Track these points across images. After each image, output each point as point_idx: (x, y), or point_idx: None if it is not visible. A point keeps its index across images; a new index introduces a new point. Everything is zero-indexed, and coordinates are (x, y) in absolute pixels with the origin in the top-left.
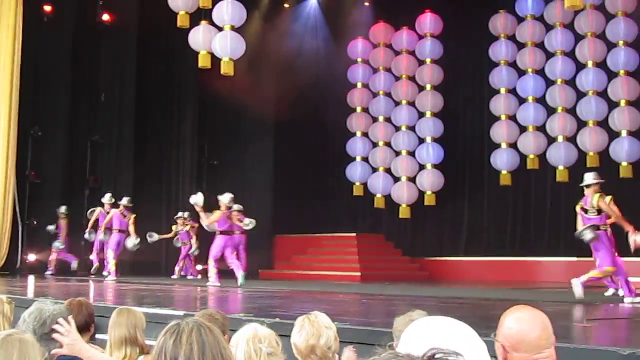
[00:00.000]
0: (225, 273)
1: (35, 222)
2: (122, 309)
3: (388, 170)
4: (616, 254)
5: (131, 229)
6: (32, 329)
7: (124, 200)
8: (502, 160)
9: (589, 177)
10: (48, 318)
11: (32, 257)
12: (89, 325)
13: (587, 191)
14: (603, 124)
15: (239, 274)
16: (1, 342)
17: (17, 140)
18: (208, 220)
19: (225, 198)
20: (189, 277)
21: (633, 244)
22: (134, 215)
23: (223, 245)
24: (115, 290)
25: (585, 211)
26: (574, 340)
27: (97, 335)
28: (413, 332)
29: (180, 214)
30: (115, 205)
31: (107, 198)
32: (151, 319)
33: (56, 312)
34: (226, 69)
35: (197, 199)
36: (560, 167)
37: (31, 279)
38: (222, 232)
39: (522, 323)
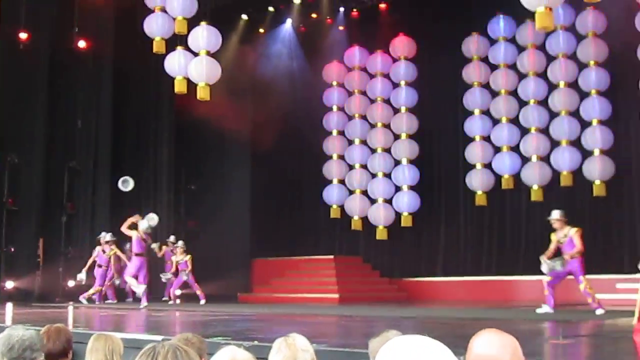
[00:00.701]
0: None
1: (12, 250)
2: (99, 334)
3: (365, 193)
4: None
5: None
6: (1, 354)
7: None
8: (477, 181)
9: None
10: (17, 343)
11: (10, 284)
12: (67, 351)
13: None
14: (576, 143)
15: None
16: None
17: None
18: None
19: (142, 225)
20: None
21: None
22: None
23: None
24: (95, 317)
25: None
26: (548, 359)
27: None
28: (388, 351)
29: (103, 234)
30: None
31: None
32: (129, 344)
33: (25, 338)
34: (202, 94)
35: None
36: (535, 187)
37: (9, 306)
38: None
39: (491, 347)
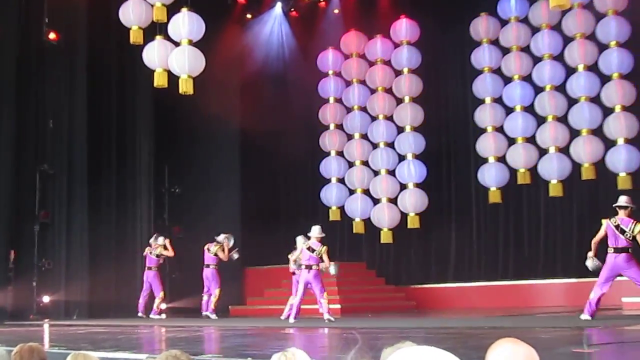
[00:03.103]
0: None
1: None
2: (77, 353)
3: (367, 192)
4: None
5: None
6: None
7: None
8: (491, 176)
9: (623, 200)
10: None
11: None
12: None
13: (622, 212)
14: (598, 132)
15: None
16: None
17: None
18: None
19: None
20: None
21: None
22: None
23: None
24: (72, 335)
25: (622, 232)
26: None
27: None
28: None
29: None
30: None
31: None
32: None
33: None
34: (185, 87)
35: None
36: (554, 181)
37: None
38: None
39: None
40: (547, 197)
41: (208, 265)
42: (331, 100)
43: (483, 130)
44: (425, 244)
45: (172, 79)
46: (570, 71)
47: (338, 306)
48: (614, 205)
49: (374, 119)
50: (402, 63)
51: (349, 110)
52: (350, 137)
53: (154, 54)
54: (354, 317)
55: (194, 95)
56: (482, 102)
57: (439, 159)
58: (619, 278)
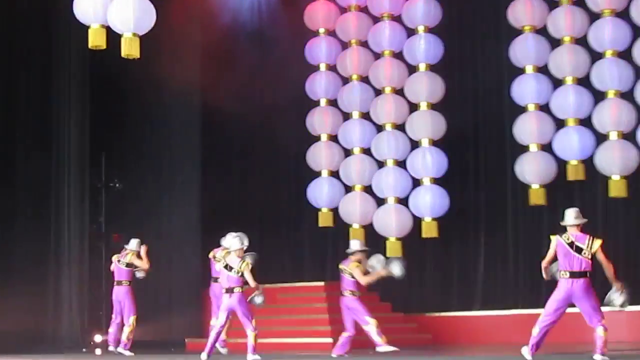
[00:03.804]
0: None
1: None
2: None
3: (368, 189)
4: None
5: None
6: None
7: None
8: (532, 169)
9: (573, 215)
10: None
11: None
12: None
13: (573, 229)
14: None
15: None
16: None
17: None
18: None
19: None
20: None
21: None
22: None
23: None
24: None
25: (579, 250)
26: None
27: None
28: None
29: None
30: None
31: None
32: None
33: None
34: (129, 49)
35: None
36: (615, 177)
37: None
38: None
39: None
40: (606, 197)
41: (216, 279)
42: (322, 67)
43: (522, 109)
44: (445, 259)
45: (113, 38)
46: (637, 31)
47: (329, 340)
48: (562, 224)
49: (378, 92)
50: (417, 19)
51: (345, 80)
52: (347, 116)
53: (89, 7)
54: (352, 355)
55: (141, 60)
56: (521, 71)
57: (464, 147)
58: None
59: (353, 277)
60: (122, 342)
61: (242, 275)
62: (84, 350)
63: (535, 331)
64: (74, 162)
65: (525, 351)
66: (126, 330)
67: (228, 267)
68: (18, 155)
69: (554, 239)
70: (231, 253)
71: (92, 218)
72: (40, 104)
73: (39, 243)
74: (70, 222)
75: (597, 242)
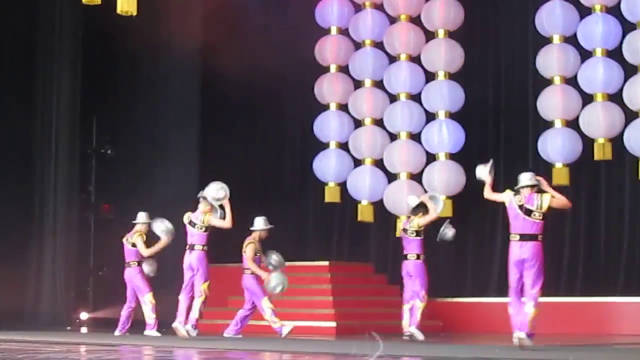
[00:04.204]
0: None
1: None
2: None
3: (379, 163)
4: None
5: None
6: None
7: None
8: (556, 147)
9: (527, 177)
10: None
11: None
12: None
13: (526, 190)
14: None
15: None
16: None
17: None
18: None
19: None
20: None
21: None
22: None
23: None
24: None
25: (528, 213)
26: None
27: None
28: None
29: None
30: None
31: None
32: None
33: None
34: (125, 5)
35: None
36: None
37: None
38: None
39: None
40: (635, 180)
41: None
42: (333, 30)
43: (547, 82)
44: (460, 242)
45: None
46: None
47: (333, 324)
48: (516, 188)
49: (392, 59)
50: None
51: (357, 45)
52: (358, 84)
53: None
54: (355, 339)
55: (137, 18)
56: (547, 40)
57: (483, 120)
58: None
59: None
60: (147, 324)
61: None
62: (68, 328)
63: (511, 311)
64: (62, 125)
65: (521, 336)
66: (145, 310)
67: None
68: (8, 128)
69: (508, 194)
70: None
71: (80, 186)
72: (25, 61)
73: (22, 211)
74: (57, 189)
75: (547, 198)
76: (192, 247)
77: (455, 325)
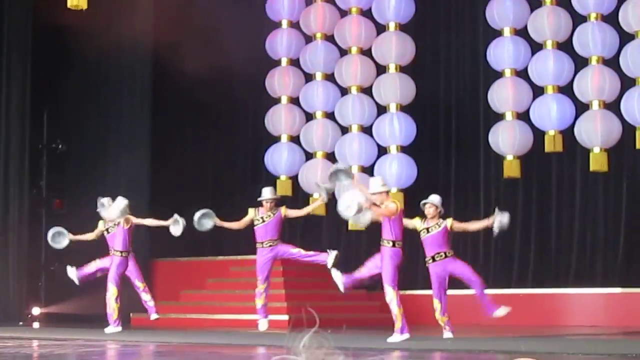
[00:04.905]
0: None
1: None
2: None
3: (330, 156)
4: None
5: None
6: None
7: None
8: (507, 139)
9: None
10: None
11: None
12: None
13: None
14: None
15: None
16: None
17: None
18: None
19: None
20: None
21: None
22: None
23: None
24: None
25: None
26: None
27: None
28: None
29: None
30: None
31: None
32: None
33: None
34: None
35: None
36: (596, 149)
37: None
38: None
39: None
40: (586, 171)
41: None
42: (284, 24)
43: (499, 74)
44: (412, 234)
45: None
46: None
47: (285, 317)
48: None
49: (343, 52)
50: None
51: (308, 39)
52: (309, 77)
53: None
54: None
55: (87, 12)
56: (498, 33)
57: (435, 114)
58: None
59: None
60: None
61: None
62: (20, 323)
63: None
64: (12, 120)
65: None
66: (143, 296)
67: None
68: None
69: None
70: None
71: (32, 181)
72: None
73: None
74: (8, 185)
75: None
76: None
77: (410, 317)
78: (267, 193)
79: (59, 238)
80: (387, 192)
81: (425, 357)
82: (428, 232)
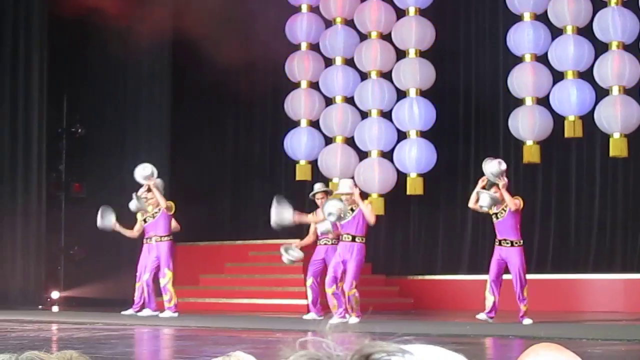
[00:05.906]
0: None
1: None
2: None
3: (350, 141)
4: None
5: None
6: None
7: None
8: (527, 125)
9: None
10: None
11: None
12: None
13: None
14: None
15: None
16: None
17: None
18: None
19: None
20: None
21: None
22: None
23: None
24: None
25: None
26: None
27: None
28: None
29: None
30: None
31: None
32: None
33: None
34: None
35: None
36: (616, 135)
37: None
38: None
39: None
40: (606, 157)
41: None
42: (304, 8)
43: (518, 59)
44: (431, 219)
45: None
46: None
47: (304, 302)
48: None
49: (363, 37)
50: None
51: (328, 23)
52: (329, 61)
53: None
54: (327, 317)
55: None
56: (518, 18)
57: (455, 97)
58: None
59: None
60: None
61: None
62: (39, 307)
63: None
64: (32, 104)
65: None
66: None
67: None
68: None
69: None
70: None
71: (51, 165)
72: None
73: None
74: (28, 169)
75: None
76: None
77: (427, 302)
78: (317, 187)
79: (107, 213)
80: (360, 194)
81: (443, 342)
82: None
